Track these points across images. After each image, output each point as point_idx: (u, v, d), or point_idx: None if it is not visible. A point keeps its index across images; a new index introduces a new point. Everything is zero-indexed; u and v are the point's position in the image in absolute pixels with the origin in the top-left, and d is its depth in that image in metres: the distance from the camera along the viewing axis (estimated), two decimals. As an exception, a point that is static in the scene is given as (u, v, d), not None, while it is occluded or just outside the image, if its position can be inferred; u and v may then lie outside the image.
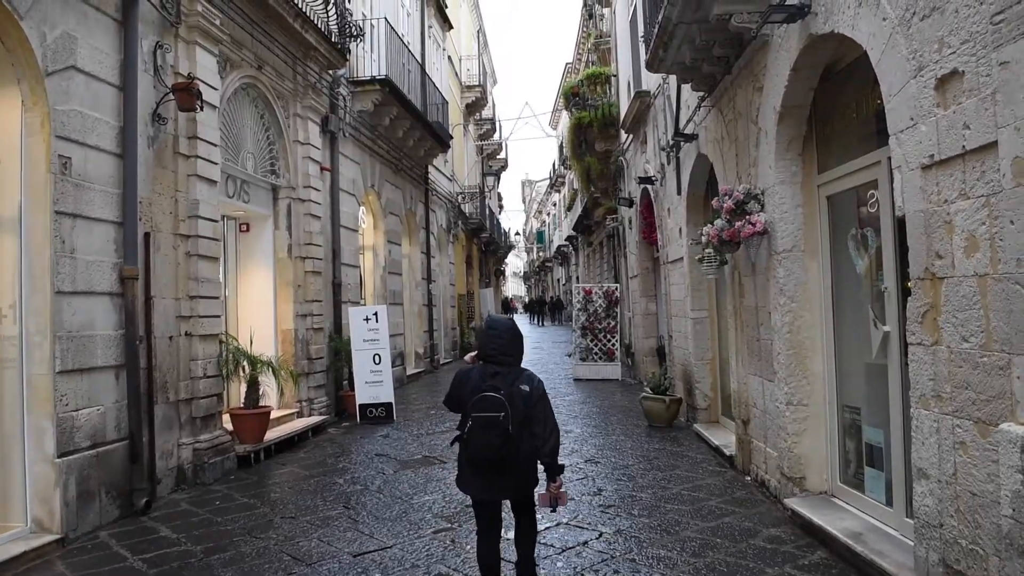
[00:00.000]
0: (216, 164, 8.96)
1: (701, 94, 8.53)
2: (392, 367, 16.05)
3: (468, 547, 5.76)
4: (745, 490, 7.12)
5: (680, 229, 10.71)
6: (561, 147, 36.21)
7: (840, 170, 5.86)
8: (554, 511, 5.10)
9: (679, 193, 10.56)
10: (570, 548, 5.65)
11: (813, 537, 5.62)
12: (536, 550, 5.06)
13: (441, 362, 21.90)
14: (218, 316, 9.01)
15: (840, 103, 5.97)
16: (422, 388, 16.80)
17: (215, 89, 8.97)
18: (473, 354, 4.97)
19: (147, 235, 7.73)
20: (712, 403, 10.27)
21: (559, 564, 5.32)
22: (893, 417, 5.11)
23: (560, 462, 4.77)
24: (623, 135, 16.45)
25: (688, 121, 9.45)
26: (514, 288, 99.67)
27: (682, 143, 9.97)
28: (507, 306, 58.76)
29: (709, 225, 7.34)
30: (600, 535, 5.92)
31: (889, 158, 4.96)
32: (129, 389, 7.27)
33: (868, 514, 5.52)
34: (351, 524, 6.50)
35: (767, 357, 6.82)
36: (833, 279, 6.13)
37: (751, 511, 6.43)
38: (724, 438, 8.96)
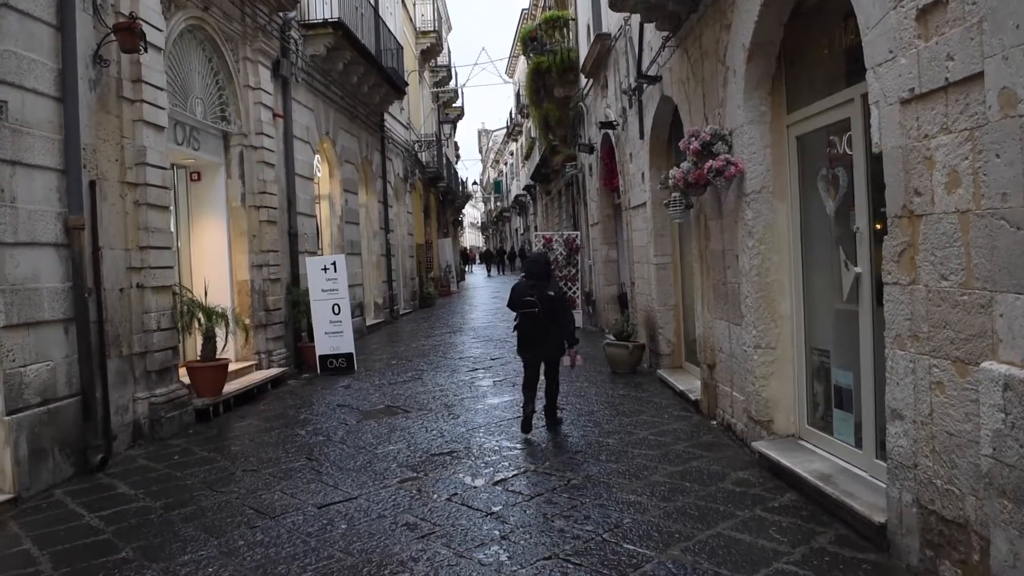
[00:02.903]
0: (163, 109, 8.60)
1: (665, 34, 8.33)
2: (352, 318, 15.87)
3: (435, 496, 5.67)
4: (711, 434, 7.12)
5: (643, 174, 10.58)
6: (518, 95, 35.74)
7: (810, 109, 5.74)
8: (572, 368, 8.01)
9: (641, 137, 10.41)
10: (539, 495, 5.58)
11: (782, 480, 5.62)
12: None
13: (401, 312, 21.70)
14: (171, 267, 8.73)
15: (811, 40, 5.82)
16: (383, 338, 16.63)
17: (159, 30, 8.55)
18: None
19: (92, 183, 7.41)
20: (676, 349, 10.27)
21: (529, 512, 5.25)
22: (863, 359, 5.08)
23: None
24: (583, 80, 16.19)
25: (651, 63, 9.26)
26: (472, 239, 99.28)
27: (645, 85, 9.78)
28: (465, 256, 58.49)
29: (676, 168, 7.22)
30: (568, 482, 5.87)
31: (863, 95, 4.87)
32: (80, 343, 7.01)
33: (837, 456, 5.52)
34: (315, 476, 6.37)
35: (734, 301, 6.76)
36: (802, 221, 6.05)
37: (718, 455, 6.43)
38: (688, 383, 8.96)
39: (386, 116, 20.54)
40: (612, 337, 11.11)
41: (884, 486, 4.66)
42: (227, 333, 9.37)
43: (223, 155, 11.20)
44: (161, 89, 8.55)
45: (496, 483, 5.92)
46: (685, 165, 7.00)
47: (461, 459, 6.65)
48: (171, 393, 8.38)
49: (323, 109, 14.96)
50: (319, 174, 15.72)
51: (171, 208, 10.68)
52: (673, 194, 7.66)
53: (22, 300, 6.34)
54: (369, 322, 18.01)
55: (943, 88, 3.58)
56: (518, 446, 7.01)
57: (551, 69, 17.53)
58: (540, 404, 7.74)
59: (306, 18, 13.89)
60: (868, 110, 4.64)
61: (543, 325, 7.38)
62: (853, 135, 5.10)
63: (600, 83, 13.98)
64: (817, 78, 5.77)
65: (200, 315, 9.04)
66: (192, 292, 9.47)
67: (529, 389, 7.55)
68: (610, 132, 12.94)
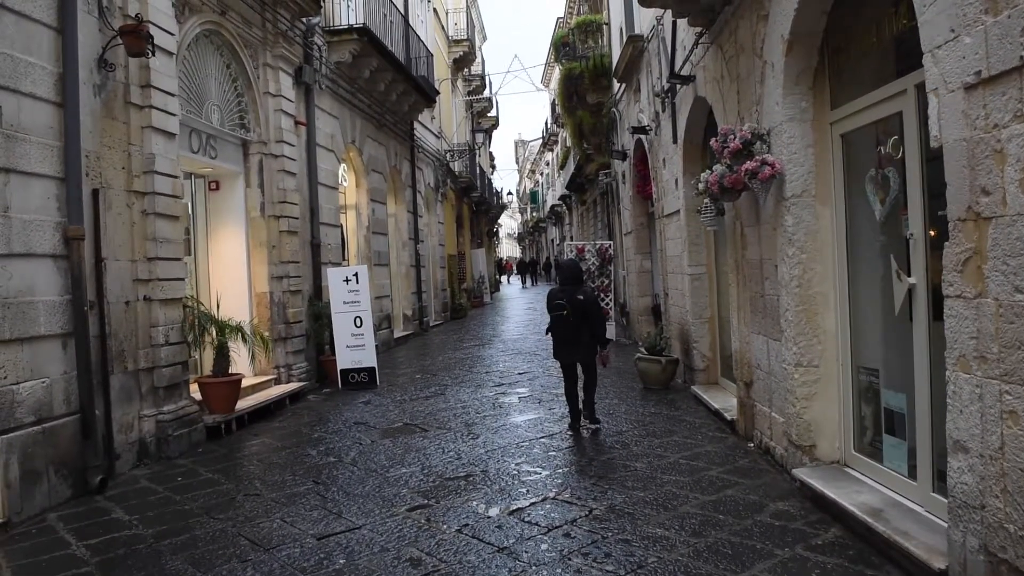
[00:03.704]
0: (174, 115, 8.28)
1: (699, 30, 7.84)
2: (378, 330, 15.57)
3: (445, 527, 5.22)
4: (748, 458, 6.58)
5: (676, 180, 10.07)
6: (553, 105, 35.32)
7: (856, 104, 5.21)
8: (604, 367, 8.26)
9: (675, 141, 9.90)
10: (556, 527, 5.09)
11: (826, 512, 5.07)
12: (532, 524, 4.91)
13: (431, 324, 21.31)
14: (181, 279, 8.38)
15: (857, 29, 5.30)
16: (410, 351, 16.24)
17: (171, 34, 8.26)
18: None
19: (96, 192, 7.10)
20: (711, 364, 9.72)
21: (543, 547, 4.76)
22: (919, 380, 4.54)
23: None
24: (615, 85, 15.72)
25: (684, 62, 8.76)
26: (508, 249, 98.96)
27: (678, 86, 9.29)
28: (501, 267, 58.17)
29: (708, 171, 6.72)
30: (590, 512, 5.37)
31: (917, 85, 4.37)
32: (79, 359, 6.67)
33: (887, 487, 4.97)
34: (319, 502, 5.94)
35: (773, 314, 6.23)
36: (848, 227, 5.51)
37: (756, 482, 5.89)
38: (724, 401, 8.42)
39: (416, 125, 20.22)
40: (644, 351, 10.58)
41: (943, 525, 4.12)
42: (244, 347, 8.99)
43: (242, 163, 10.90)
44: (172, 95, 8.24)
45: (512, 512, 5.44)
46: (719, 168, 6.49)
47: (476, 484, 6.18)
48: (180, 410, 8.03)
49: (349, 117, 14.65)
50: (345, 183, 15.40)
51: (188, 218, 10.60)
52: (705, 200, 7.16)
53: (15, 314, 6.01)
54: (397, 334, 17.65)
55: (1017, 69, 3.06)
56: (538, 470, 6.52)
57: (583, 75, 17.08)
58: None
59: (331, 24, 13.60)
60: (924, 101, 4.15)
61: (574, 327, 7.84)
62: (906, 131, 4.57)
63: (633, 88, 13.50)
64: (864, 70, 5.25)
65: (212, 329, 8.69)
66: (204, 304, 9.14)
67: (571, 393, 8.08)
68: (643, 137, 12.45)
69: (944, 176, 3.65)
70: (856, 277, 5.48)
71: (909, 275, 4.56)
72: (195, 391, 8.75)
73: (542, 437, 7.66)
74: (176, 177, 8.32)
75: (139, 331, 7.68)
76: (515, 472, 6.48)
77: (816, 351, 5.65)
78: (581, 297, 7.85)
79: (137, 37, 7.30)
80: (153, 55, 7.61)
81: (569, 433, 7.85)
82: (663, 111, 10.60)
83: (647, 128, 11.94)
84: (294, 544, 5.05)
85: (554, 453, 7.06)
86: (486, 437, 7.79)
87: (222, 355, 8.80)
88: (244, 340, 8.91)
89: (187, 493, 6.41)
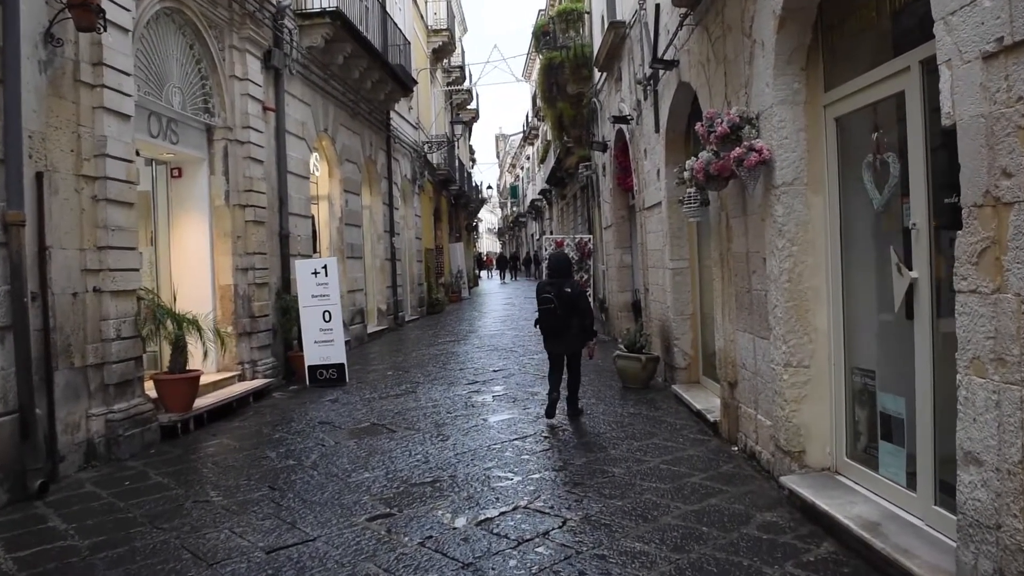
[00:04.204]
0: (129, 96, 7.80)
1: (683, 11, 7.46)
2: (350, 325, 15.13)
3: (406, 538, 4.81)
4: (732, 463, 6.21)
5: (658, 171, 9.69)
6: (534, 98, 34.86)
7: (853, 85, 4.84)
8: (591, 359, 8.63)
9: (657, 131, 9.52)
10: (527, 540, 4.69)
11: (817, 524, 4.71)
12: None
13: (407, 319, 20.85)
14: (135, 269, 7.90)
15: (854, 3, 4.93)
16: (384, 347, 15.78)
17: (126, 10, 7.79)
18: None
19: (39, 175, 6.62)
20: (692, 362, 9.35)
21: (511, 563, 4.36)
22: (920, 383, 4.17)
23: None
24: (596, 75, 15.33)
25: (668, 46, 8.37)
26: (489, 244, 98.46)
27: (661, 73, 8.91)
28: (480, 262, 57.63)
29: (693, 159, 6.33)
30: (564, 523, 4.97)
31: (923, 61, 4.02)
32: (18, 354, 6.19)
33: (883, 497, 4.61)
34: (273, 510, 5.51)
35: (760, 311, 5.86)
36: (842, 217, 5.14)
37: (741, 490, 5.51)
38: (706, 401, 8.06)
39: (392, 115, 19.73)
40: (623, 348, 10.21)
41: (948, 542, 3.78)
42: (201, 342, 8.51)
43: (206, 149, 10.42)
44: (127, 74, 7.76)
45: (480, 523, 5.04)
46: (704, 155, 6.12)
47: (443, 491, 5.77)
48: (132, 409, 7.56)
49: (321, 104, 14.15)
50: (317, 173, 14.92)
51: (150, 206, 10.12)
52: (688, 190, 6.78)
53: (-58, 306, 5.54)
54: (371, 329, 17.19)
55: (1049, 31, 2.69)
56: (509, 475, 6.12)
57: (564, 64, 16.69)
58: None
59: (302, 7, 13.10)
60: (929, 79, 3.80)
61: (562, 319, 7.95)
62: (908, 112, 4.21)
63: (614, 77, 13.11)
64: (861, 48, 4.88)
65: (169, 323, 8.22)
66: (160, 297, 8.69)
67: (554, 378, 8.15)
68: (624, 127, 12.07)
69: (954, 160, 3.29)
70: (850, 271, 5.11)
71: (911, 268, 4.20)
72: (151, 389, 8.29)
73: (515, 439, 7.26)
74: (130, 161, 7.85)
75: (88, 324, 7.21)
76: (485, 477, 6.07)
77: (807, 350, 5.28)
78: (568, 290, 7.98)
79: (87, 10, 6.80)
80: (105, 30, 7.12)
81: (545, 421, 7.94)
82: (645, 99, 10.22)
83: (628, 118, 11.56)
84: (241, 559, 4.62)
85: (527, 456, 6.65)
86: (456, 439, 7.37)
87: (179, 351, 8.33)
88: (201, 335, 8.41)
89: (133, 499, 5.96)
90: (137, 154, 8.99)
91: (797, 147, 5.28)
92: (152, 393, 8.23)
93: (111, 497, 6.05)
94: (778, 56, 5.27)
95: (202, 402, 8.87)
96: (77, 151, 7.18)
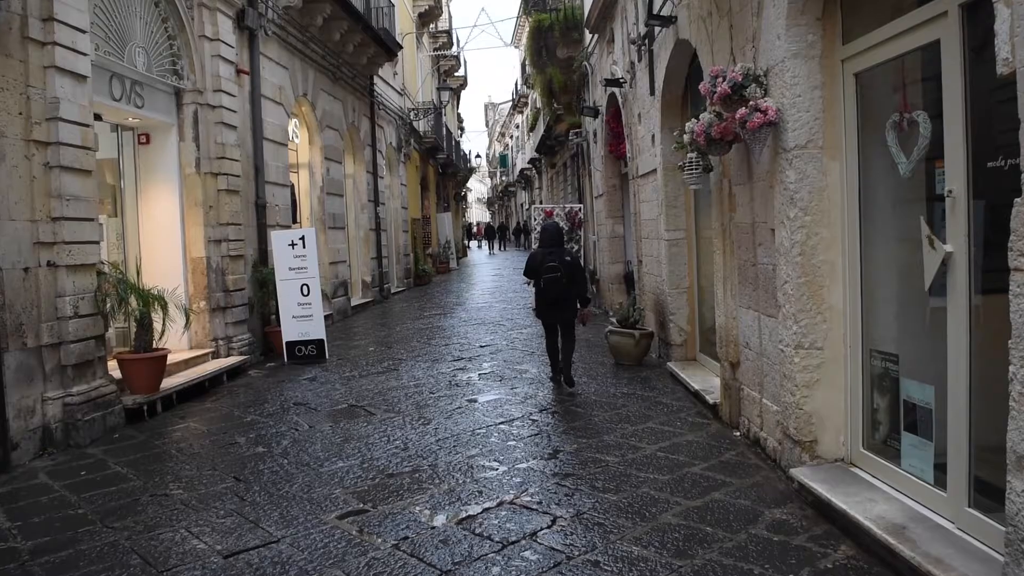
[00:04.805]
0: (85, 55, 7.23)
1: (682, -38, 6.90)
2: (333, 298, 14.62)
3: (379, 539, 4.35)
4: (735, 450, 5.76)
5: (653, 136, 9.16)
6: (523, 65, 34.09)
7: (876, 35, 4.32)
8: (584, 325, 8.81)
9: (652, 93, 8.98)
10: (512, 543, 4.23)
11: (832, 523, 4.27)
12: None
13: (393, 291, 20.33)
14: (94, 242, 7.37)
15: (878, -57, 4.41)
16: (367, 320, 15.27)
17: (81, -40, 7.17)
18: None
19: (-19, 139, 6.06)
20: (689, 338, 8.90)
21: (494, 570, 3.90)
22: (953, 370, 3.70)
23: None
24: (588, 38, 14.71)
25: (665, 1, 7.81)
26: (478, 214, 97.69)
27: (657, 30, 8.35)
28: (470, 232, 56.98)
29: (694, 121, 5.81)
30: (553, 521, 4.51)
31: (961, 6, 3.51)
32: (-40, 334, 5.69)
33: (906, 494, 4.17)
34: (236, 505, 5.04)
35: (767, 286, 5.38)
36: (862, 184, 4.64)
37: (746, 482, 5.07)
38: (704, 380, 7.61)
39: (376, 80, 19.06)
40: (616, 323, 9.74)
41: (986, 550, 3.37)
42: (165, 319, 7.98)
43: (175, 114, 9.83)
44: (82, 31, 7.18)
45: (460, 521, 4.57)
46: (706, 116, 5.60)
47: (422, 483, 5.30)
48: (92, 391, 7.07)
49: (300, 68, 13.52)
50: (297, 140, 14.32)
51: (116, 174, 9.55)
52: (689, 155, 6.27)
53: None
54: (355, 302, 16.67)
55: None
56: (495, 464, 5.65)
57: (553, 27, 16.06)
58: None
59: (278, -36, 12.42)
60: (967, 25, 3.31)
61: (564, 288, 8.02)
62: (945, 64, 3.70)
63: (606, 38, 12.51)
64: (887, -7, 4.36)
65: (132, 298, 7.69)
66: (128, 271, 8.15)
67: (552, 348, 8.38)
68: (616, 91, 11.51)
69: (1000, 118, 2.80)
70: (870, 244, 4.62)
71: (944, 241, 3.72)
72: (116, 369, 7.79)
73: (501, 423, 6.80)
74: (87, 126, 7.28)
75: (42, 302, 6.70)
76: (468, 467, 5.61)
77: (820, 331, 4.81)
78: (569, 259, 8.19)
79: (31, -41, 6.23)
80: (53, -20, 6.53)
81: (534, 402, 7.67)
82: (639, 61, 9.66)
83: (621, 81, 10.99)
84: (195, 564, 4.15)
85: (514, 443, 6.19)
86: (438, 422, 6.90)
87: (143, 328, 7.82)
88: (166, 311, 7.89)
89: (87, 492, 5.48)
90: (99, 118, 8.46)
91: (812, 106, 4.76)
92: (117, 374, 7.73)
93: (64, 490, 5.57)
94: (791, 4, 4.74)
95: (172, 382, 8.39)
96: (26, 114, 6.63)
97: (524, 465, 5.60)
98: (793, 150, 4.80)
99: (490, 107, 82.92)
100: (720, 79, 5.22)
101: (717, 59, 6.17)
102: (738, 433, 6.12)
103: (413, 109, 24.46)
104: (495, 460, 5.74)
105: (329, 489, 5.26)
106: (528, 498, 4.92)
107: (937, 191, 3.86)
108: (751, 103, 4.91)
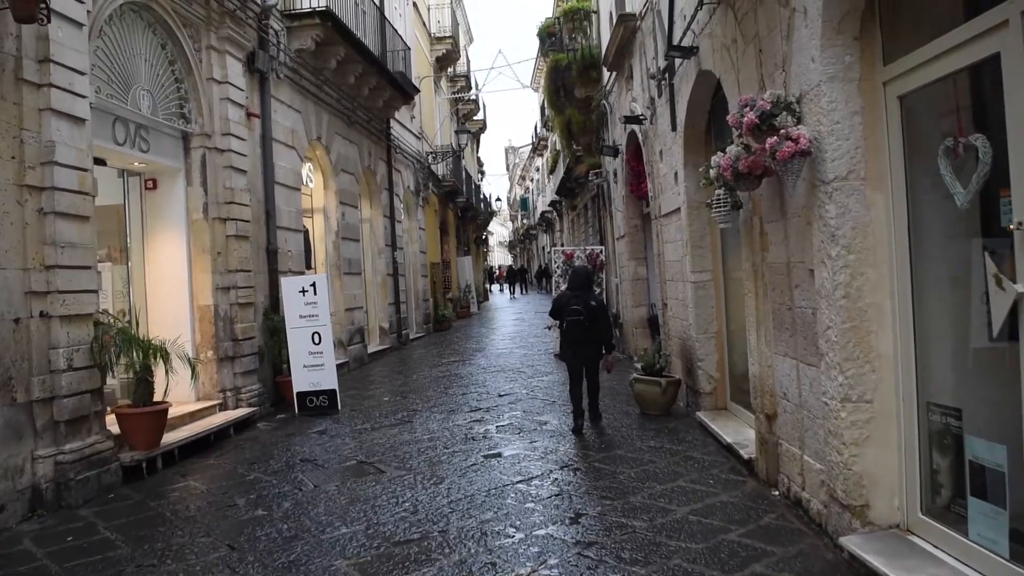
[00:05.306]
0: (83, 97, 7.00)
1: (703, -10, 6.55)
2: (349, 345, 14.26)
3: (381, 624, 3.88)
4: (774, 513, 5.24)
5: (676, 173, 8.76)
6: (543, 108, 34.03)
7: (922, 53, 3.91)
8: (608, 372, 8.80)
9: (674, 128, 8.60)
10: (529, 628, 3.76)
11: (891, 601, 3.75)
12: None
13: (411, 337, 19.92)
14: (92, 291, 7.04)
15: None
16: (384, 368, 14.85)
17: (80, 2, 6.95)
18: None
19: (-30, 185, 5.76)
20: (718, 386, 8.39)
21: (510, 664, 3.42)
22: (1031, 427, 3.22)
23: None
24: (605, 76, 14.43)
25: (685, 32, 7.46)
26: (500, 257, 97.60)
27: (677, 63, 8.00)
28: (491, 276, 56.65)
29: (720, 154, 5.40)
30: (575, 601, 4.03)
31: (1025, 12, 3.08)
32: (-58, 391, 5.34)
33: (975, 568, 3.65)
34: (226, 579, 4.60)
35: (806, 332, 4.91)
36: (911, 218, 4.20)
37: (790, 550, 4.55)
38: (737, 432, 7.10)
39: (393, 123, 18.87)
40: (640, 369, 9.26)
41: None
42: (169, 370, 7.61)
43: (182, 159, 9.58)
44: (81, 73, 6.94)
45: (471, 600, 4.10)
46: (733, 149, 5.19)
47: (431, 553, 4.82)
48: (87, 448, 6.68)
49: (313, 111, 13.31)
50: (311, 184, 14.07)
51: (123, 221, 9.29)
52: (717, 191, 5.85)
53: None
54: (372, 349, 16.28)
55: None
56: (511, 531, 5.16)
57: (571, 66, 15.79)
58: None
59: (290, 7, 12.27)
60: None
61: (587, 330, 8.17)
62: (1006, 79, 3.28)
63: (624, 75, 12.20)
64: (933, 6, 3.95)
65: (134, 350, 7.33)
66: (134, 320, 7.82)
67: (576, 392, 8.31)
68: (636, 129, 11.15)
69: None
70: (923, 284, 4.16)
71: (1014, 280, 3.25)
72: (115, 423, 7.41)
73: (519, 481, 6.31)
74: (85, 170, 7.01)
75: (33, 354, 6.36)
76: (481, 534, 5.12)
77: (869, 381, 4.32)
78: (594, 303, 8.33)
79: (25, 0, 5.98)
80: (48, 22, 6.25)
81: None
82: (659, 96, 9.31)
83: (641, 118, 10.64)
84: (172, 653, 3.70)
85: (532, 505, 5.69)
86: (452, 481, 6.42)
87: (142, 381, 7.44)
88: (167, 363, 7.51)
89: (70, 561, 5.06)
90: (102, 163, 8.24)
91: (852, 133, 4.34)
92: (116, 428, 7.35)
93: (47, 559, 5.17)
94: (825, 23, 4.34)
95: (174, 436, 8.00)
96: (19, 158, 6.36)
97: (543, 531, 5.11)
98: (833, 182, 4.36)
99: (510, 151, 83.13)
100: (748, 108, 4.81)
101: (744, 88, 5.77)
102: (777, 492, 5.60)
103: (431, 152, 24.28)
104: (511, 526, 5.25)
105: (329, 560, 4.80)
106: (547, 572, 4.43)
107: (1001, 223, 3.41)
108: (782, 131, 4.49)
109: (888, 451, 4.31)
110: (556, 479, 6.37)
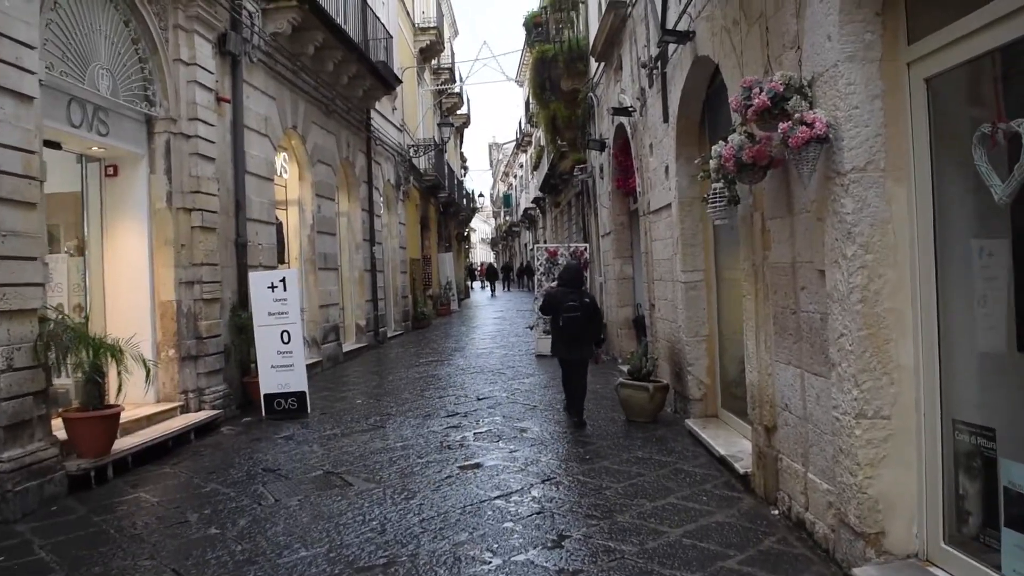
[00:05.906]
0: (32, 73, 6.45)
1: (701, -32, 6.09)
2: (323, 343, 13.73)
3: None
4: (776, 535, 4.79)
5: (667, 168, 8.32)
6: (527, 103, 33.53)
7: (952, 31, 3.47)
8: (597, 364, 9.42)
9: (666, 120, 8.15)
10: (506, 677, 3.27)
11: (915, 648, 3.31)
12: None
13: (389, 335, 19.38)
14: (37, 284, 6.49)
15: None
16: (360, 367, 14.32)
17: (30, -30, 6.42)
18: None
19: None
20: (709, 392, 7.95)
21: None
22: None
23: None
24: (593, 67, 13.97)
25: (681, 16, 7.01)
26: (483, 254, 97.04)
27: (671, 51, 7.54)
28: (472, 272, 56.05)
29: (721, 144, 4.95)
30: (558, 642, 3.56)
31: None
32: None
33: (1010, 609, 3.22)
34: (167, 612, 4.09)
35: (814, 339, 4.46)
36: (936, 214, 3.75)
37: (795, 581, 4.11)
38: (730, 443, 6.67)
39: (374, 115, 18.33)
40: (627, 373, 8.81)
41: None
42: (120, 371, 7.05)
43: (145, 144, 9.02)
44: (30, 47, 6.40)
45: (440, 640, 3.62)
46: (736, 138, 4.74)
47: (397, 581, 4.34)
48: (28, 456, 6.14)
49: (289, 98, 12.76)
50: (285, 175, 13.52)
51: (81, 209, 8.75)
52: (713, 184, 5.39)
53: None
54: (348, 347, 15.74)
55: None
56: (487, 556, 4.68)
57: (557, 58, 15.31)
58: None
59: (265, -12, 11.71)
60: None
61: (582, 326, 8.23)
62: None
63: (613, 66, 11.75)
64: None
65: (82, 349, 6.79)
66: (89, 316, 7.29)
67: (569, 387, 8.55)
68: (625, 122, 10.70)
69: None
70: (950, 288, 3.72)
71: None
72: (62, 428, 6.87)
73: (497, 497, 5.82)
74: (32, 152, 6.46)
75: (-32, 354, 5.82)
76: (455, 559, 4.63)
77: (887, 396, 3.88)
78: (588, 300, 8.48)
79: (-39, -36, 5.45)
80: (-8, -9, 5.75)
81: (536, 471, 6.66)
82: (650, 86, 8.85)
83: (630, 109, 10.19)
84: None
85: (511, 524, 5.21)
86: (424, 496, 5.92)
87: (92, 382, 6.90)
88: (119, 363, 6.97)
89: (-5, 587, 4.54)
90: (57, 147, 7.71)
91: (872, 120, 3.89)
92: (63, 434, 6.82)
93: (-31, 583, 4.63)
94: (844, -2, 3.90)
95: (129, 441, 7.48)
96: (-43, 139, 5.81)
97: (522, 557, 4.62)
98: (850, 173, 3.91)
99: (494, 147, 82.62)
100: (756, 90, 4.35)
101: (747, 72, 5.31)
102: (776, 512, 5.16)
103: (413, 145, 23.74)
104: (487, 549, 4.76)
105: (283, 588, 4.31)
106: (526, 606, 3.96)
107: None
108: (796, 115, 4.04)
109: (907, 473, 3.87)
110: (537, 495, 5.88)
